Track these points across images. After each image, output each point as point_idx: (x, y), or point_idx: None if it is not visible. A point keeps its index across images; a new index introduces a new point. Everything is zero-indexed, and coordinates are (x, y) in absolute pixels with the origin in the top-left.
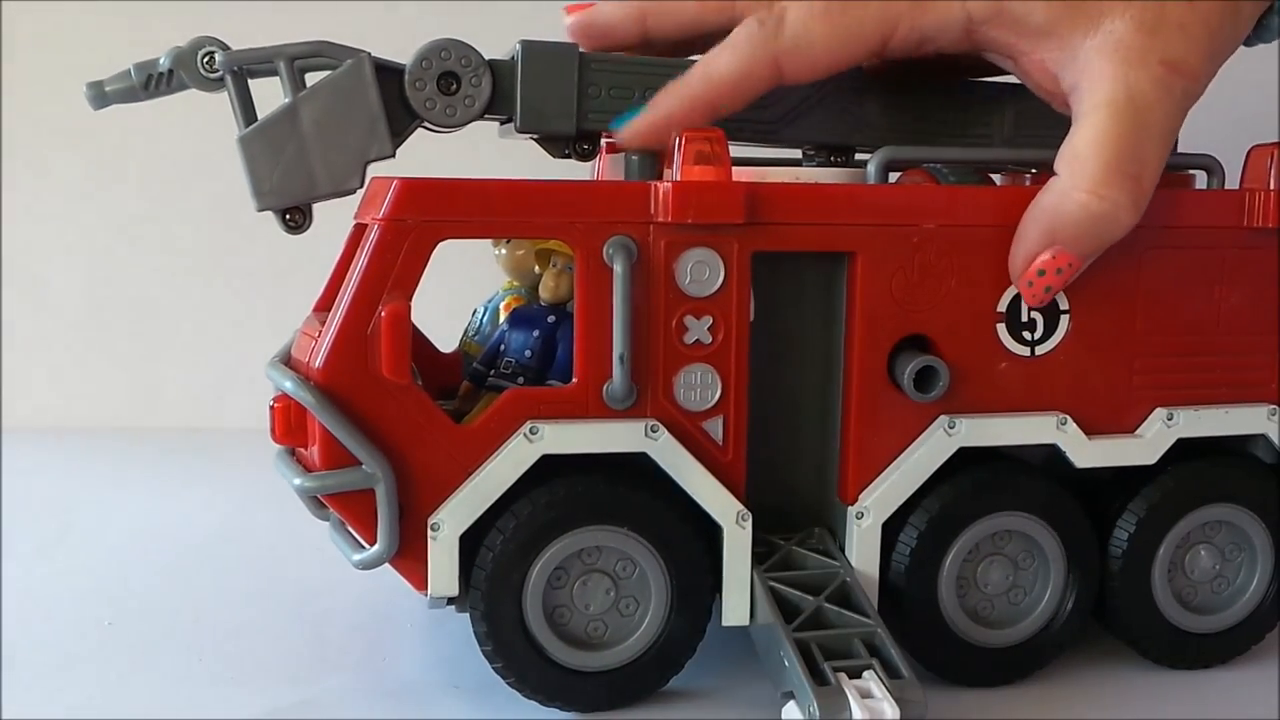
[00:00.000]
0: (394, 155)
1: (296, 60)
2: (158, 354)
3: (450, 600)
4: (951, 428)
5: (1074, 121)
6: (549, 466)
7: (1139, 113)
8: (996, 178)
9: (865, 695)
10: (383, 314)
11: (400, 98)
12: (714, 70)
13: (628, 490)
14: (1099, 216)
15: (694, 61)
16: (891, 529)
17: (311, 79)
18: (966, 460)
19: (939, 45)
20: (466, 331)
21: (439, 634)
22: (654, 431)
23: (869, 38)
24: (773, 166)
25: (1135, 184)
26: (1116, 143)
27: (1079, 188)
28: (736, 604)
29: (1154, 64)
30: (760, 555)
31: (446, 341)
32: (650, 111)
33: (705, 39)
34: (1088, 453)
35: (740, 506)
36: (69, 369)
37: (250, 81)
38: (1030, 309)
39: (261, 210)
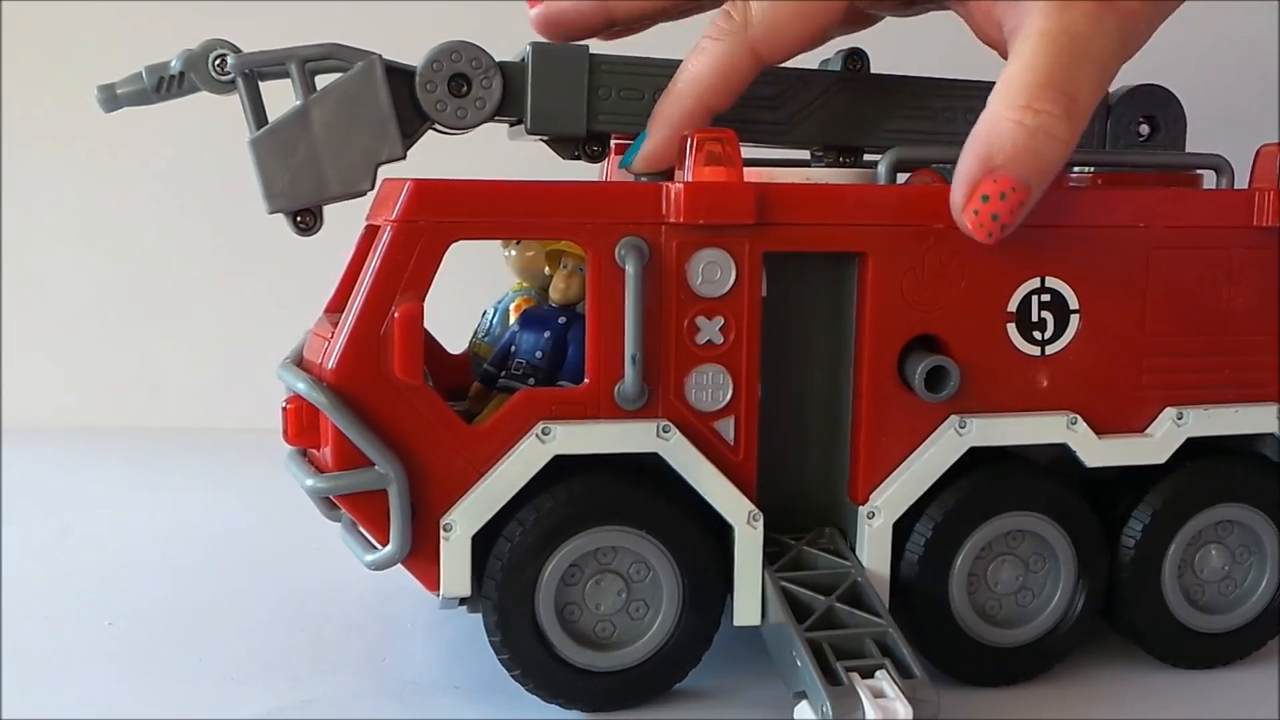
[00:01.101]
0: (405, 157)
1: (308, 63)
2: (158, 354)
3: (462, 601)
4: (962, 427)
5: (1005, 68)
6: (561, 468)
7: (1072, 40)
8: None
9: (878, 695)
10: (395, 315)
11: (411, 100)
12: (696, 75)
13: (645, 491)
14: (1033, 130)
15: None
16: (902, 529)
17: (322, 81)
18: (977, 460)
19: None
20: (476, 333)
21: (440, 634)
22: (665, 432)
23: (831, 8)
24: (783, 167)
25: (1069, 100)
26: (1048, 64)
27: (1010, 106)
28: (748, 604)
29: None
30: (771, 555)
31: (455, 343)
32: (652, 136)
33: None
34: (1098, 452)
35: (751, 507)
36: (69, 369)
37: (261, 84)
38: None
39: (273, 212)
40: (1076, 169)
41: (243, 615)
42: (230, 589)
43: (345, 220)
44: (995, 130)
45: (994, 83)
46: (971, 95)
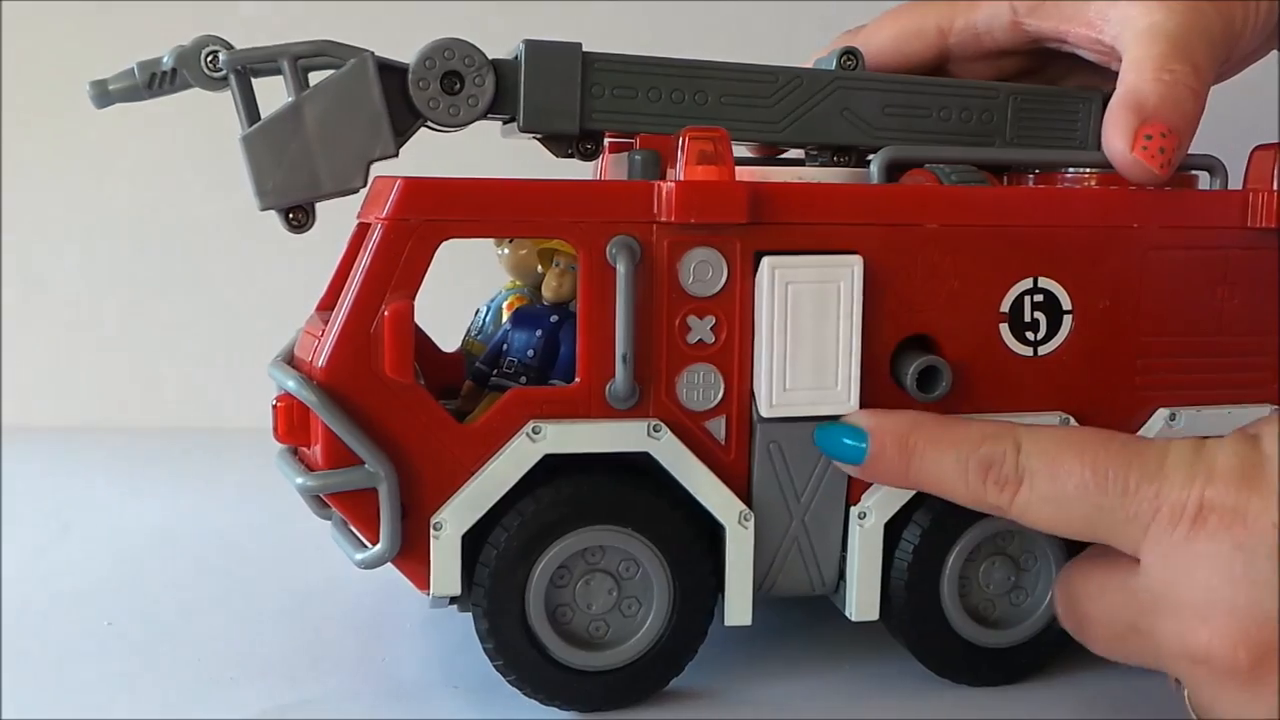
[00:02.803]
0: (397, 154)
1: (300, 59)
2: (158, 354)
3: (452, 600)
4: None
5: (1123, 61)
6: (552, 466)
7: (1178, 24)
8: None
9: None
10: (386, 313)
11: (403, 97)
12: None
13: (631, 490)
14: (1172, 84)
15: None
16: (894, 529)
17: (315, 79)
18: None
19: (994, 39)
20: (469, 331)
21: (438, 634)
22: (656, 431)
23: (928, 33)
24: (776, 166)
25: (1192, 65)
26: (1164, 43)
27: (1145, 78)
28: (739, 604)
29: None
30: None
31: (448, 341)
32: None
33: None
34: None
35: (743, 506)
36: (69, 369)
37: (253, 81)
38: (1032, 312)
39: (264, 209)
40: (1072, 170)
41: (242, 615)
42: (229, 589)
43: (339, 217)
44: (1139, 89)
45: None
46: (965, 95)
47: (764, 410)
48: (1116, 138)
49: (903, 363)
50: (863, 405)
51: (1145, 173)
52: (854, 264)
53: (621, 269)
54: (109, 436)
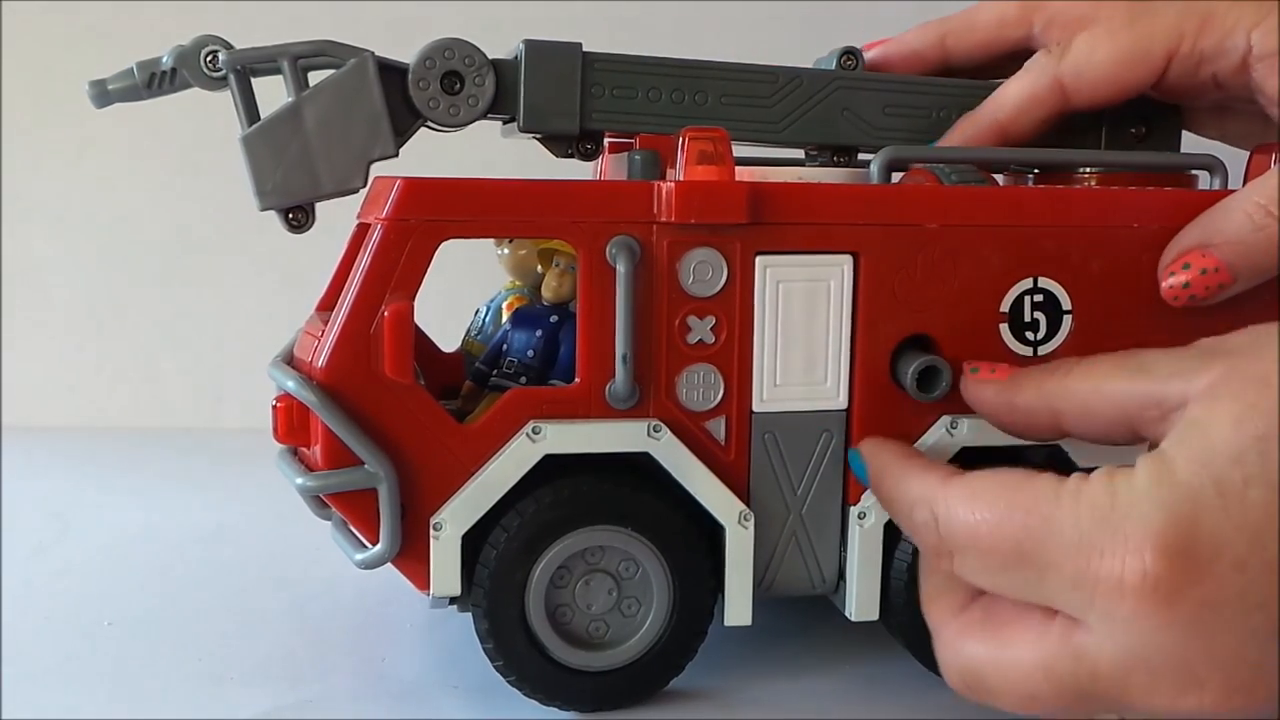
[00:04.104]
0: (397, 155)
1: (300, 59)
2: (158, 354)
3: (452, 600)
4: (954, 428)
5: None
6: (551, 466)
7: None
8: (999, 178)
9: None
10: (385, 313)
11: (403, 97)
12: (1002, 96)
13: (631, 490)
14: (1259, 228)
15: (702, 64)
16: (894, 529)
17: (315, 79)
18: (969, 461)
19: (1216, 72)
20: (469, 331)
21: (438, 634)
22: (656, 431)
23: (1154, 56)
24: (776, 167)
25: None
26: None
27: (1250, 198)
28: (739, 604)
29: None
30: None
31: (448, 341)
32: (949, 136)
33: (1005, 60)
34: (1091, 453)
35: (743, 507)
36: (69, 369)
37: (253, 81)
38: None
39: (264, 209)
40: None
41: (242, 615)
42: (229, 589)
43: (339, 218)
44: (1227, 212)
45: (989, 83)
46: (965, 96)
47: (755, 405)
48: (1170, 247)
49: (902, 363)
50: (862, 404)
51: (1165, 292)
52: (844, 264)
53: (621, 269)
54: (109, 436)
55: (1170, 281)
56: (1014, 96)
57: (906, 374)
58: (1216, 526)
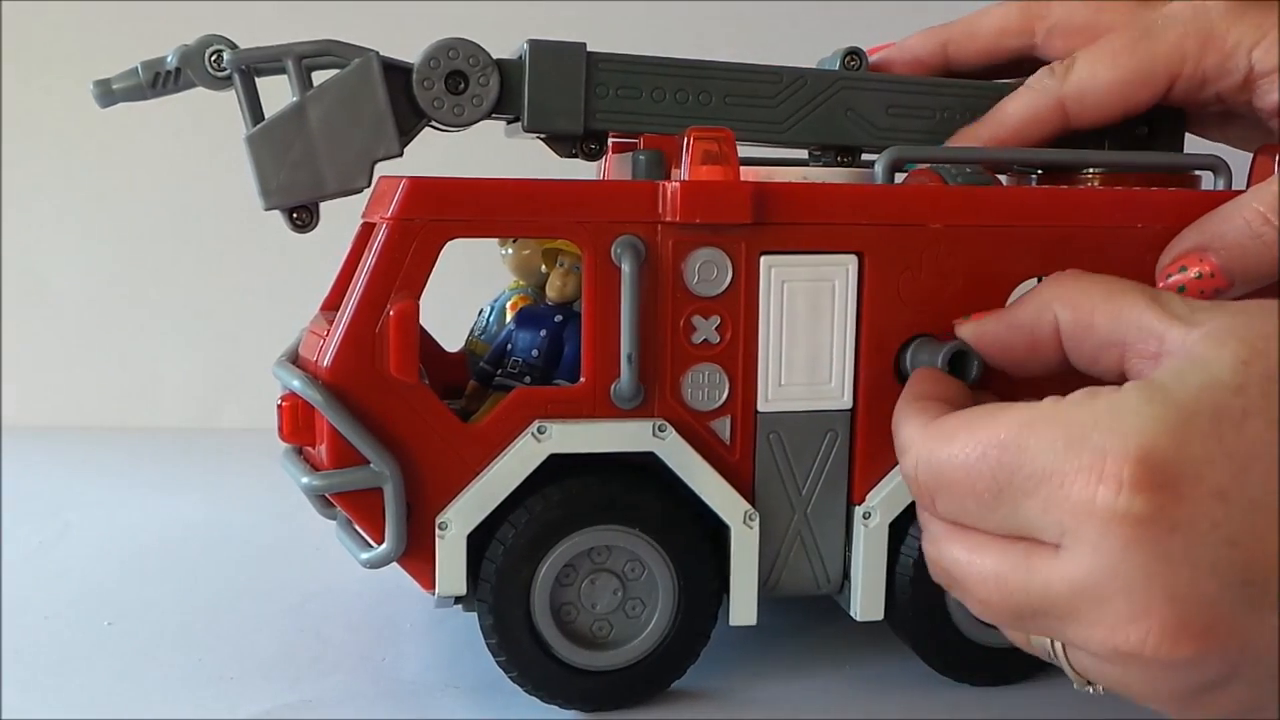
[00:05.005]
0: (401, 154)
1: (304, 59)
2: (158, 354)
3: (457, 599)
4: None
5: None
6: (556, 466)
7: None
8: (1003, 178)
9: None
10: (391, 313)
11: (408, 97)
12: (1003, 113)
13: (639, 491)
14: (1255, 235)
15: (706, 64)
16: (899, 528)
17: (319, 78)
18: None
19: (1219, 91)
20: (473, 331)
21: (437, 634)
22: (661, 431)
23: (1157, 79)
24: (780, 167)
25: None
26: None
27: (1250, 205)
28: (744, 604)
29: None
30: None
31: (452, 340)
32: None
33: (1006, 67)
34: None
35: (748, 506)
36: (69, 369)
37: (257, 80)
38: None
39: (268, 209)
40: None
41: (242, 615)
42: (229, 589)
43: (342, 217)
44: (1226, 217)
45: (992, 83)
46: (969, 96)
47: (760, 404)
48: (1168, 249)
49: (925, 352)
50: (867, 404)
51: None
52: (848, 263)
53: (626, 269)
54: (109, 436)
55: (1166, 283)
56: (1016, 115)
57: (938, 358)
58: (1205, 450)
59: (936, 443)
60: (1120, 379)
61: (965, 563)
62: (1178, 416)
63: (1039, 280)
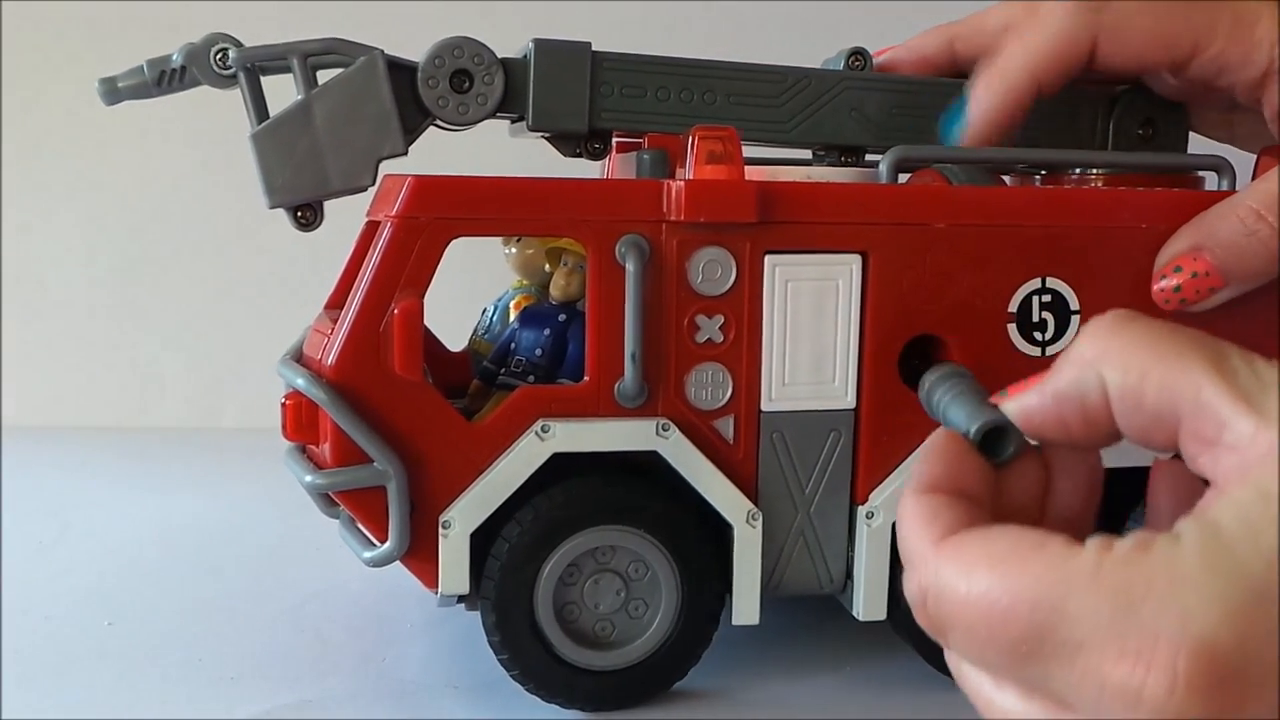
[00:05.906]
0: (406, 153)
1: (309, 57)
2: (158, 354)
3: (460, 599)
4: None
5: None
6: (558, 466)
7: None
8: (1007, 178)
9: None
10: (395, 311)
11: (413, 95)
12: (1033, 45)
13: (644, 491)
14: (1251, 233)
15: (711, 63)
16: None
17: (324, 77)
18: None
19: (1233, 82)
20: (476, 330)
21: (438, 634)
22: (665, 430)
23: (1183, 44)
24: (784, 166)
25: None
26: None
27: (1243, 203)
28: (747, 603)
29: None
30: None
31: (455, 340)
32: (976, 107)
33: None
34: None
35: (751, 506)
36: (69, 369)
37: (262, 79)
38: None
39: (273, 207)
40: (1078, 170)
41: (242, 615)
42: (229, 589)
43: (346, 216)
44: (1220, 216)
45: None
46: None
47: (763, 404)
48: (1163, 251)
49: (953, 408)
50: (870, 404)
51: (1156, 295)
52: (853, 263)
53: (630, 268)
54: (109, 436)
55: (1161, 284)
56: (1048, 45)
57: (970, 431)
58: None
59: (952, 574)
60: (1174, 450)
61: (987, 698)
62: (1244, 597)
63: (1042, 281)
